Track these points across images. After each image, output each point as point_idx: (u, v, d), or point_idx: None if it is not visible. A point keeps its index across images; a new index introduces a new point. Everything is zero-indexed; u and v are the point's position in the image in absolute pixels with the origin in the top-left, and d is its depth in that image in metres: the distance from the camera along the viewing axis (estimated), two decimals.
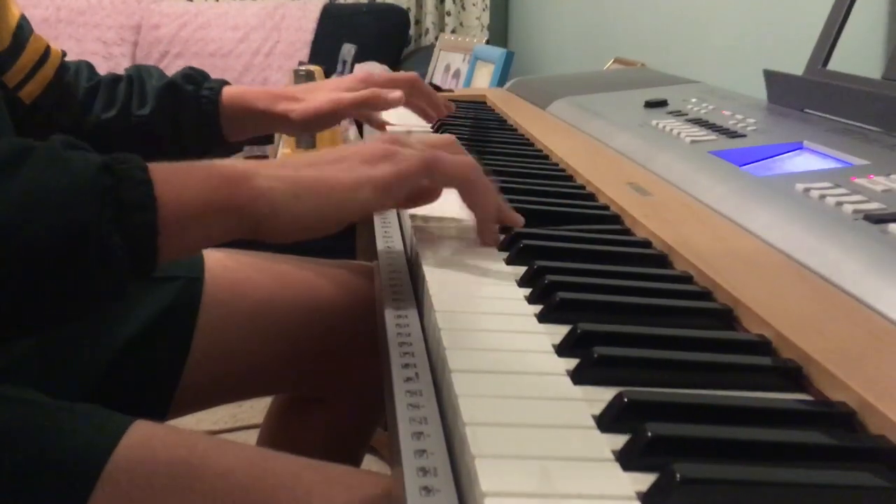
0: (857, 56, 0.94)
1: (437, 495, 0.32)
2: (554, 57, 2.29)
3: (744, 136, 0.78)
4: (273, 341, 0.80)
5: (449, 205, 0.58)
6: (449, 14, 2.81)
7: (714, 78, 1.23)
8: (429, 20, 2.82)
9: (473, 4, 2.77)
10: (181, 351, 0.76)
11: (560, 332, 0.43)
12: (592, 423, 0.35)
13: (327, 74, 1.77)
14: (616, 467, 0.32)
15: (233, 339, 0.79)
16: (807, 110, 0.87)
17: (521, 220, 0.59)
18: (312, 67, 1.67)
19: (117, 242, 0.45)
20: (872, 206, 0.54)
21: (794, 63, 0.90)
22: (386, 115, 0.99)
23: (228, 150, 0.92)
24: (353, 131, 1.66)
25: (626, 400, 0.35)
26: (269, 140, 0.93)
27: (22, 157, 0.44)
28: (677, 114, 0.92)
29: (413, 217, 0.61)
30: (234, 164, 0.51)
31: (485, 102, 1.28)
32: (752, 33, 1.22)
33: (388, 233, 0.64)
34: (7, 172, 0.44)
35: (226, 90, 0.86)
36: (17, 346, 0.67)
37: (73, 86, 0.85)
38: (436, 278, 0.49)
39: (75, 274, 0.44)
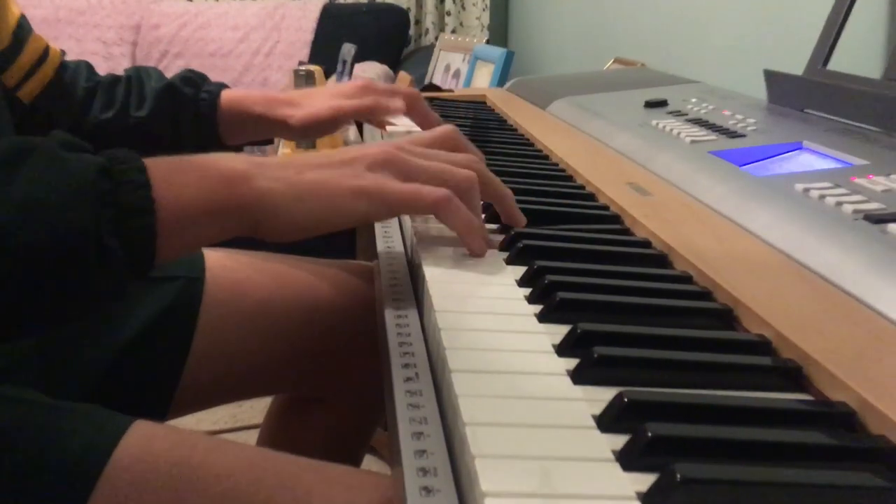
0: (857, 56, 0.94)
1: (437, 495, 0.32)
2: (554, 57, 2.29)
3: (744, 136, 0.78)
4: (273, 341, 0.80)
5: None
6: (449, 14, 2.81)
7: (714, 78, 1.23)
8: (429, 20, 2.82)
9: (473, 4, 2.77)
10: (181, 351, 0.76)
11: (560, 332, 0.43)
12: (592, 423, 0.35)
13: (327, 74, 1.77)
14: (616, 467, 0.32)
15: (233, 339, 0.79)
16: (807, 110, 0.87)
17: (523, 219, 0.59)
18: (312, 67, 1.67)
19: (116, 245, 0.45)
20: (872, 206, 0.54)
21: (794, 63, 0.90)
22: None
23: (227, 152, 0.92)
24: (353, 131, 1.66)
25: (626, 400, 0.35)
26: (268, 141, 0.93)
27: (21, 158, 0.45)
28: (677, 114, 0.92)
29: (413, 217, 0.61)
30: (235, 161, 0.51)
31: (485, 102, 1.28)
32: (752, 33, 1.22)
33: (388, 233, 0.64)
34: (6, 172, 0.44)
35: (224, 94, 0.85)
36: (17, 346, 0.67)
37: (72, 86, 0.85)
38: (436, 278, 0.49)
39: (74, 275, 0.44)
